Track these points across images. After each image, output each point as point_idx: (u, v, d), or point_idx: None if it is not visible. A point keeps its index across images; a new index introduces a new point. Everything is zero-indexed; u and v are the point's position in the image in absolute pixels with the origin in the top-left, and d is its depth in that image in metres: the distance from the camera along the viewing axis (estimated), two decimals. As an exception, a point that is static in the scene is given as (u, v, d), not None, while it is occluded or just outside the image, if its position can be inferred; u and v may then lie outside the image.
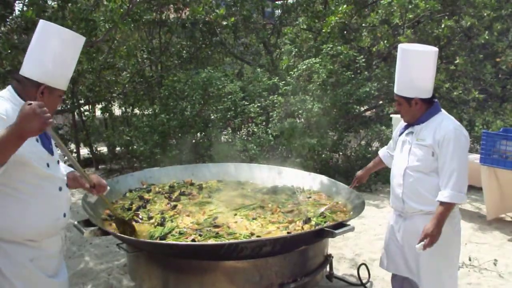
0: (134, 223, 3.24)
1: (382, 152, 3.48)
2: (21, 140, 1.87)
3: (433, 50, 2.87)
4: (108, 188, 2.76)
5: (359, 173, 3.63)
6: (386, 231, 3.23)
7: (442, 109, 2.95)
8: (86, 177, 2.57)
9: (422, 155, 2.84)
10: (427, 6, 7.43)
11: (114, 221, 3.14)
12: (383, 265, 3.24)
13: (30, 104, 1.81)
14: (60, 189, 2.37)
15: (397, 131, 3.17)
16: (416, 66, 2.82)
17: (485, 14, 7.61)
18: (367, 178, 3.68)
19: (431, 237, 2.67)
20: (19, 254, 2.18)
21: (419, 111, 2.89)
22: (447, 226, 2.76)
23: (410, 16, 7.88)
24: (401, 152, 3.02)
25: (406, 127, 3.03)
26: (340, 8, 8.41)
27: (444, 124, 2.80)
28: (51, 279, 2.36)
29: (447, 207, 2.71)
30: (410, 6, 7.64)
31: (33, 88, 2.24)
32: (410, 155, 2.91)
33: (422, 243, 2.68)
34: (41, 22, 2.31)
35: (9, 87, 2.28)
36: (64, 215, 2.38)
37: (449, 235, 2.79)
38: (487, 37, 7.48)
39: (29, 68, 2.25)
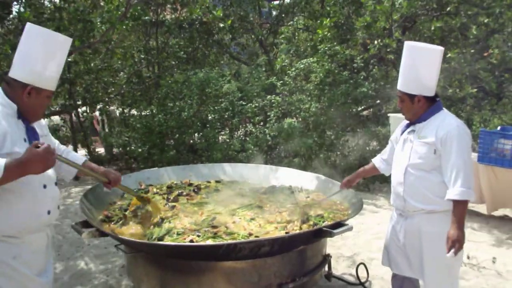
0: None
1: (375, 159, 3.44)
2: (23, 176, 2.01)
3: (439, 48, 2.88)
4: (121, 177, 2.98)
5: (348, 177, 3.55)
6: (387, 231, 3.22)
7: (444, 108, 2.94)
8: (99, 177, 2.80)
9: (424, 153, 2.83)
10: (410, 6, 7.48)
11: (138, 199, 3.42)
12: (385, 263, 3.24)
13: (38, 147, 1.94)
14: (45, 186, 2.35)
15: (399, 131, 3.15)
16: (422, 63, 2.83)
17: (474, 11, 7.62)
18: (355, 182, 3.57)
19: (459, 242, 2.65)
20: (1, 252, 2.19)
21: (421, 108, 2.89)
22: (449, 226, 2.74)
23: (396, 17, 7.90)
24: (402, 151, 3.00)
25: (407, 126, 3.02)
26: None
27: (447, 122, 2.80)
28: (36, 277, 2.34)
29: (462, 205, 2.69)
30: (396, 6, 7.68)
31: (20, 89, 2.28)
32: (411, 153, 2.90)
33: (453, 250, 2.65)
34: (28, 25, 2.37)
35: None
36: (49, 212, 2.36)
37: None
38: (475, 32, 7.50)
39: (16, 70, 2.32)
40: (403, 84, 2.92)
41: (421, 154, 2.85)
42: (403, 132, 3.06)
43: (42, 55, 2.32)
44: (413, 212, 2.93)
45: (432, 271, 2.87)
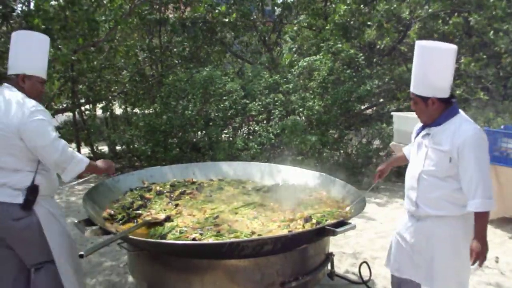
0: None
1: (406, 149, 3.28)
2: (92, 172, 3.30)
3: (453, 47, 2.72)
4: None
5: (380, 167, 3.47)
6: (395, 231, 3.12)
7: (460, 111, 2.79)
8: None
9: (438, 160, 2.72)
10: (437, 6, 7.48)
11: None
12: (388, 264, 3.19)
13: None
14: None
15: (414, 132, 3.02)
16: (434, 64, 2.68)
17: (494, 13, 7.56)
18: (388, 171, 3.48)
19: (483, 254, 2.61)
20: (52, 204, 3.06)
21: (436, 111, 2.74)
22: (461, 230, 2.72)
23: (419, 11, 7.90)
24: (417, 155, 2.90)
25: (422, 128, 2.89)
26: (342, 7, 8.42)
27: (463, 128, 2.65)
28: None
29: (483, 216, 2.61)
30: (424, 2, 7.70)
31: (16, 79, 2.94)
32: (426, 159, 2.79)
33: (477, 262, 2.62)
34: (13, 34, 3.02)
35: (7, 85, 2.94)
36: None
37: (462, 237, 2.73)
38: (492, 37, 7.43)
39: (10, 67, 2.99)
40: (415, 86, 2.78)
41: (435, 161, 2.73)
42: (417, 134, 2.94)
43: (24, 49, 2.95)
44: (425, 217, 2.85)
45: (442, 276, 2.78)
